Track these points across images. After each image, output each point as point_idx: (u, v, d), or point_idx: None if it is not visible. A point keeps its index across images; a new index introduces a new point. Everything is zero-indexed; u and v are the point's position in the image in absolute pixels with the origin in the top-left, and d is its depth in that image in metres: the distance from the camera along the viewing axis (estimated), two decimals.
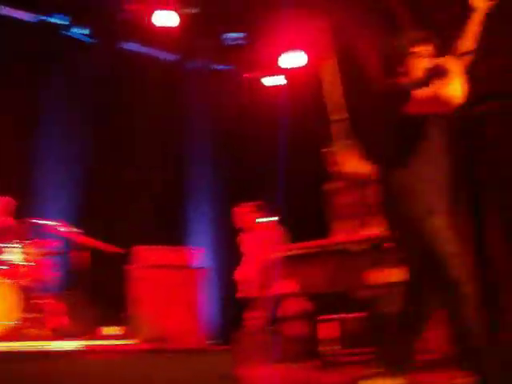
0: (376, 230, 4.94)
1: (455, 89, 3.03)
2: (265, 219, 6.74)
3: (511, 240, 6.16)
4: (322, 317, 5.47)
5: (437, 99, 3.03)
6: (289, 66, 8.17)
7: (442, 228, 3.11)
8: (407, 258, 3.28)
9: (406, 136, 3.19)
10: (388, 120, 3.25)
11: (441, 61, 3.18)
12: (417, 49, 3.31)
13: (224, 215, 7.47)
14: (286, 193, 7.84)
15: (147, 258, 6.72)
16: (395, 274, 4.35)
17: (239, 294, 6.42)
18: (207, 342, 6.87)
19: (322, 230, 5.09)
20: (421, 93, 3.10)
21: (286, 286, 4.72)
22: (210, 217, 8.70)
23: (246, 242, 6.86)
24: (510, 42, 7.36)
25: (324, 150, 3.56)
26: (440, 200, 3.19)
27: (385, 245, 4.42)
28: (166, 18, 7.48)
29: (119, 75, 8.00)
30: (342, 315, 6.07)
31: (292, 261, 4.74)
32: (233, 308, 7.21)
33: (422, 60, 3.29)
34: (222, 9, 8.18)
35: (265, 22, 8.03)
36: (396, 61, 3.31)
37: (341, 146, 3.53)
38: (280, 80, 8.35)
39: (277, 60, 8.19)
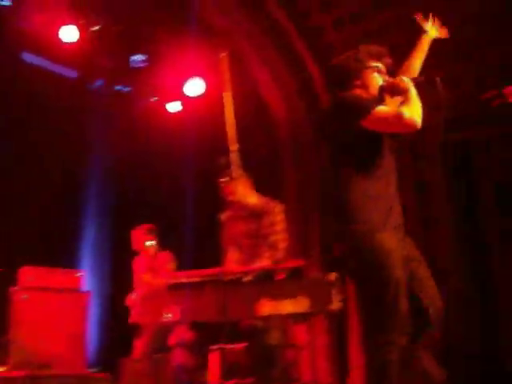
0: (268, 261, 4.99)
1: (416, 111, 2.99)
2: (153, 242, 6.68)
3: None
4: (209, 346, 5.42)
5: (399, 119, 2.96)
6: (190, 93, 8.20)
7: (391, 250, 3.01)
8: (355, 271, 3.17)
9: (356, 151, 3.09)
10: (338, 133, 3.11)
11: (398, 79, 3.13)
12: (374, 63, 3.22)
13: (117, 239, 7.34)
14: (182, 219, 7.82)
15: (32, 279, 6.46)
16: (285, 307, 4.39)
17: (130, 320, 6.29)
18: (90, 369, 6.68)
19: (215, 259, 5.06)
20: (383, 110, 3.02)
21: (174, 313, 4.63)
22: (102, 239, 8.51)
23: (137, 265, 6.76)
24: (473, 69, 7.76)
25: (220, 179, 3.54)
26: (388, 216, 3.08)
27: (276, 277, 4.44)
28: (70, 34, 7.36)
29: (19, 88, 7.73)
30: (231, 345, 6.06)
31: (182, 288, 4.66)
32: (119, 334, 7.06)
33: (378, 75, 3.21)
34: (126, 29, 8.13)
35: (168, 47, 8.06)
36: (353, 73, 3.20)
37: (236, 175, 3.52)
38: (178, 106, 8.35)
39: (179, 86, 8.19)
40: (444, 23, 3.64)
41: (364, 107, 3.00)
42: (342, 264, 3.18)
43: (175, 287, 4.75)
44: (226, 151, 3.73)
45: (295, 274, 4.52)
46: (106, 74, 8.60)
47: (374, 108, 2.98)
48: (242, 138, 8.70)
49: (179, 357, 7.35)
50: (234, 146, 3.63)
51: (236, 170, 3.56)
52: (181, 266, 6.26)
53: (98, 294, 7.85)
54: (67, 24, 7.32)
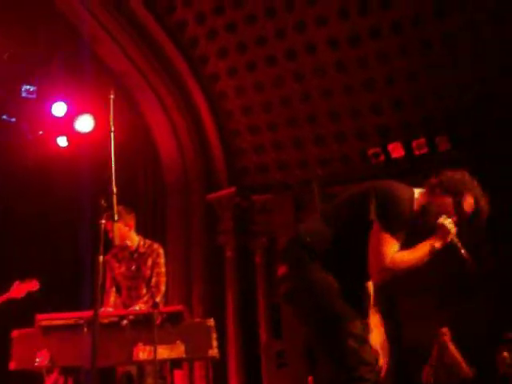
0: (147, 304, 4.90)
1: (407, 262, 2.98)
2: None
3: None
4: None
5: (383, 260, 2.92)
6: (80, 129, 8.03)
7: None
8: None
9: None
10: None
11: (451, 235, 3.04)
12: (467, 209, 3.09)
13: None
14: (55, 262, 7.58)
15: None
16: (161, 352, 4.30)
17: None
18: None
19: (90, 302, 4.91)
20: (388, 241, 2.94)
21: (44, 358, 4.42)
22: None
23: None
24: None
25: (101, 220, 3.45)
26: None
27: (156, 321, 4.35)
28: None
29: None
30: None
31: (56, 331, 4.47)
32: None
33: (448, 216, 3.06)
34: (16, 59, 7.93)
35: (59, 82, 7.91)
36: (455, 192, 3.06)
37: (117, 217, 3.44)
38: (62, 142, 8.13)
39: (66, 121, 8.01)
40: None
41: (392, 222, 2.95)
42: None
43: (48, 329, 4.54)
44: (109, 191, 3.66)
45: (174, 319, 4.45)
46: None
47: (391, 232, 2.93)
48: (128, 177, 8.64)
49: None
50: (113, 189, 3.54)
51: (115, 212, 3.46)
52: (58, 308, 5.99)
53: None
54: None
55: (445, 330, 7.07)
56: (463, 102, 7.95)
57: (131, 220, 5.18)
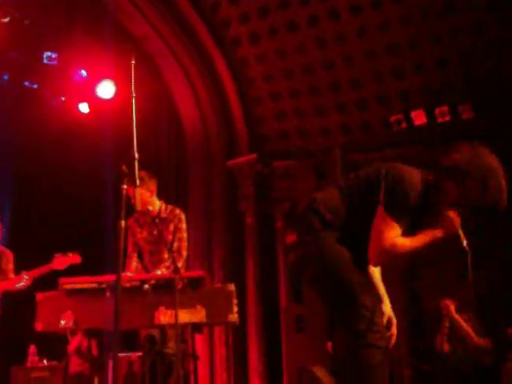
0: (168, 269, 4.96)
1: (410, 247, 2.97)
2: None
3: None
4: (107, 355, 5.31)
5: (383, 243, 2.92)
6: (102, 96, 8.06)
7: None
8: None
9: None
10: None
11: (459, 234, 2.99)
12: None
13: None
14: (80, 224, 7.65)
15: None
16: (182, 316, 4.37)
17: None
18: None
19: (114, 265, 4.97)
20: (391, 224, 2.93)
21: (68, 320, 4.51)
22: None
23: None
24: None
25: (123, 185, 3.48)
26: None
27: (177, 285, 4.41)
28: None
29: None
30: (130, 354, 5.97)
31: (77, 295, 4.55)
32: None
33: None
34: (38, 25, 7.94)
35: (81, 47, 7.92)
36: (462, 176, 2.90)
37: (139, 183, 3.48)
38: (85, 108, 8.17)
39: (88, 87, 8.05)
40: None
41: (398, 210, 2.92)
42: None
43: (72, 293, 4.63)
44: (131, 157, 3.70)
45: (195, 283, 4.50)
46: (14, 67, 8.34)
47: (396, 218, 2.90)
48: (150, 144, 8.67)
49: (75, 365, 7.20)
50: (135, 154, 3.57)
51: (136, 178, 3.50)
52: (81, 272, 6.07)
53: None
54: None
55: (447, 301, 7.05)
56: (486, 68, 7.84)
57: (153, 185, 5.20)
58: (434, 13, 7.90)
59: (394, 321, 3.17)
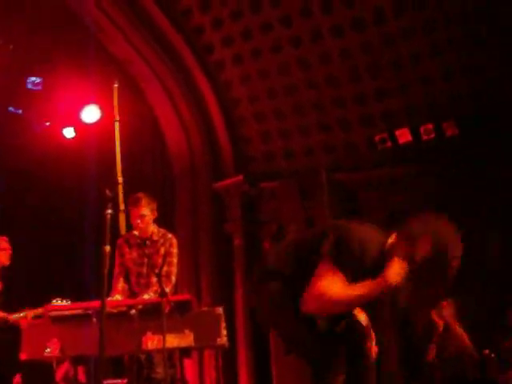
0: (156, 293, 4.91)
1: (344, 301, 2.88)
2: None
3: None
4: (92, 382, 5.24)
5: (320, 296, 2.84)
6: (86, 120, 8.03)
7: None
8: None
9: None
10: None
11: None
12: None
13: None
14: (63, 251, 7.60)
15: None
16: (170, 341, 4.32)
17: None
18: None
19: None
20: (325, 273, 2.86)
21: (54, 348, 4.44)
22: None
23: None
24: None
25: (107, 210, 3.46)
26: None
27: (164, 310, 4.37)
28: None
29: None
30: (114, 381, 5.88)
31: (63, 322, 4.49)
32: None
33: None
34: (22, 50, 7.94)
35: (65, 72, 7.91)
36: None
37: (121, 206, 3.47)
38: (70, 133, 8.14)
39: (72, 111, 8.02)
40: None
41: (341, 259, 2.84)
42: None
43: (57, 320, 4.57)
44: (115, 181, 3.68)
45: (182, 307, 4.47)
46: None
47: (337, 267, 2.83)
48: (135, 166, 8.63)
49: None
50: (120, 178, 3.56)
51: (121, 202, 3.49)
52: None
53: None
54: None
55: (447, 302, 6.89)
56: (471, 87, 7.91)
57: (155, 208, 5.18)
58: (414, 33, 7.97)
59: (373, 335, 3.11)
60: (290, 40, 8.44)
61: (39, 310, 5.31)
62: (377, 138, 8.29)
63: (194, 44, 8.83)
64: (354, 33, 8.17)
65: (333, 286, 2.79)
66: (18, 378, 7.29)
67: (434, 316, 6.96)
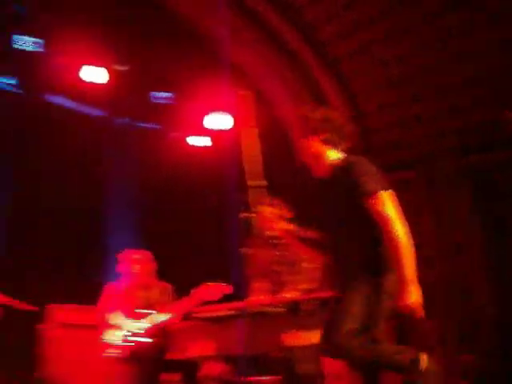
0: (294, 291, 4.98)
1: None
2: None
3: None
4: (239, 380, 5.38)
5: None
6: (214, 128, 8.27)
7: None
8: None
9: None
10: None
11: None
12: None
13: None
14: (202, 252, 7.82)
15: (60, 316, 6.46)
16: (311, 337, 4.37)
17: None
18: None
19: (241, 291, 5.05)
20: None
21: (203, 348, 4.64)
22: None
23: None
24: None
25: (242, 214, 3.59)
26: None
27: (302, 307, 4.44)
28: (94, 74, 7.49)
29: (43, 128, 7.88)
30: (259, 378, 6.01)
31: (209, 323, 4.68)
32: None
33: None
34: (150, 68, 8.30)
35: (192, 83, 8.17)
36: None
37: (263, 209, 3.57)
38: (206, 141, 8.40)
39: (203, 121, 8.28)
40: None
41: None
42: None
43: (205, 321, 4.75)
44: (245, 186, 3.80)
45: (324, 304, 4.50)
46: (130, 111, 8.75)
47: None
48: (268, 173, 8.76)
49: None
50: (262, 182, 3.68)
51: (260, 205, 3.60)
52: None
53: None
54: (93, 65, 7.46)
55: None
56: None
57: (280, 208, 5.25)
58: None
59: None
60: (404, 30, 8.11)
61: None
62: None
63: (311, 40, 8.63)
64: None
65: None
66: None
67: None
